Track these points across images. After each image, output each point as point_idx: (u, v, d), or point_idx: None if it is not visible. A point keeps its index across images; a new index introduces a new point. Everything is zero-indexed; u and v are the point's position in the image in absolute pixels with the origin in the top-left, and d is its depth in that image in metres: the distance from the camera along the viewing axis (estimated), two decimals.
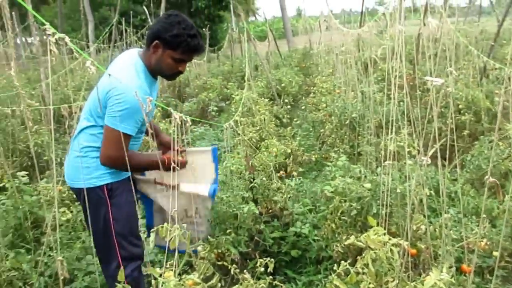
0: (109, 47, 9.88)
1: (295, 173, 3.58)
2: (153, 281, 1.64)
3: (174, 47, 2.00)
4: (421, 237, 2.39)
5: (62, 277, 1.13)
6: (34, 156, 1.97)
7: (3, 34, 12.96)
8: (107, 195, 2.08)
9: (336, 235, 2.81)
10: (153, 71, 2.10)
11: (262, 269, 2.21)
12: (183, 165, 2.21)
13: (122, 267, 1.69)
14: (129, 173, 2.16)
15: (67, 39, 0.95)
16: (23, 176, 3.25)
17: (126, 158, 1.82)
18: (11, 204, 3.14)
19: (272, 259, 2.20)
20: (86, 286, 2.68)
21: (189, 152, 2.30)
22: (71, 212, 3.26)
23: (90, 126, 2.05)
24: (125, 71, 1.97)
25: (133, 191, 2.20)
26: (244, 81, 6.50)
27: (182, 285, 1.61)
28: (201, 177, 2.33)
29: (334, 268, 1.83)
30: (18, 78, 2.62)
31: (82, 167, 2.06)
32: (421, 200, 2.19)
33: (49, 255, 2.83)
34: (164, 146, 2.39)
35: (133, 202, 2.22)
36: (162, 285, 1.56)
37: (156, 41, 2.00)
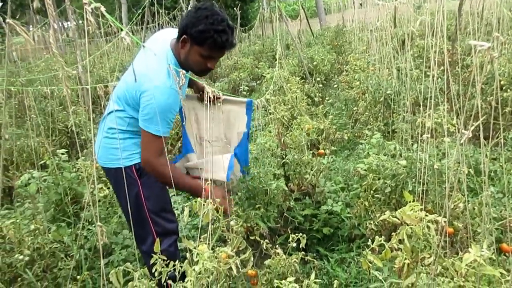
0: (142, 29, 9.99)
1: (327, 151, 3.53)
2: (187, 254, 1.68)
3: (200, 43, 1.92)
4: (458, 216, 2.32)
5: (102, 243, 1.16)
6: (75, 135, 2.03)
7: (41, 19, 13.34)
8: (136, 175, 2.12)
9: (369, 213, 2.77)
10: (183, 66, 2.06)
11: (294, 244, 2.21)
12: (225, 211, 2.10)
13: (158, 241, 1.72)
14: None
15: (102, 8, 0.95)
16: (62, 154, 3.37)
17: (164, 168, 1.91)
18: (52, 180, 3.27)
19: (304, 235, 2.20)
20: (123, 259, 2.78)
21: (225, 100, 2.33)
22: (108, 188, 3.37)
23: (118, 110, 2.07)
24: (157, 68, 1.94)
25: None
26: (275, 61, 6.42)
27: (216, 257, 1.64)
28: (234, 127, 2.38)
29: (368, 244, 1.81)
30: (57, 60, 2.69)
31: (110, 148, 2.11)
32: (459, 180, 2.11)
33: (88, 229, 2.94)
34: (202, 91, 2.41)
35: None
36: (196, 257, 1.59)
37: (184, 35, 1.94)
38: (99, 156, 2.18)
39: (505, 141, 3.77)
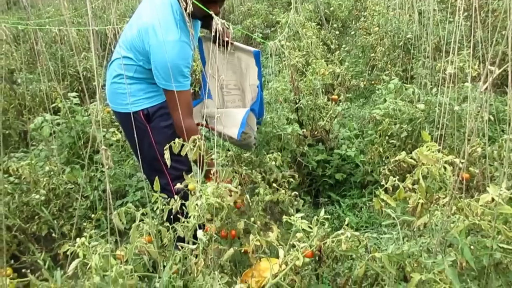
0: None
1: (342, 98, 3.44)
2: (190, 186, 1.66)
3: None
4: (475, 161, 2.26)
5: (107, 167, 1.15)
6: (82, 79, 2.00)
7: None
8: (145, 120, 2.09)
9: (383, 159, 2.73)
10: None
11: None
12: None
13: (157, 179, 1.71)
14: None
15: None
16: (74, 97, 3.35)
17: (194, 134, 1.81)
18: (65, 124, 3.27)
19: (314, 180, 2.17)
20: (138, 199, 2.82)
21: (236, 46, 2.27)
22: (120, 132, 3.37)
23: (125, 56, 2.02)
24: (163, 20, 1.84)
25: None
26: (290, 6, 6.16)
27: (218, 192, 1.63)
28: (246, 78, 2.33)
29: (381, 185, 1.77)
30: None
31: (118, 93, 2.08)
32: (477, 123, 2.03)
33: (102, 171, 2.97)
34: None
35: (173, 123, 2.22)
36: (200, 192, 1.58)
37: None
38: (109, 100, 2.18)
39: None
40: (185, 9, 1.50)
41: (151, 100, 2.11)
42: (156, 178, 1.69)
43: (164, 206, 1.64)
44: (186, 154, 2.32)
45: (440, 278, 1.15)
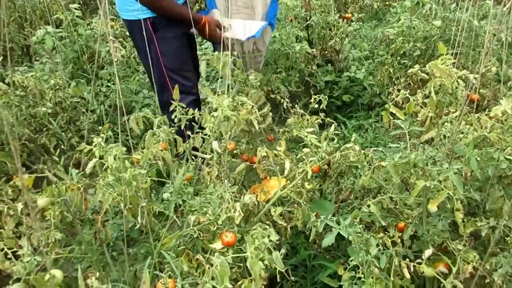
0: None
1: (354, 17, 3.28)
2: (209, 98, 1.65)
3: None
4: (488, 82, 2.21)
5: (116, 59, 1.13)
6: None
7: None
8: (152, 29, 2.05)
9: (393, 80, 2.67)
10: None
11: (316, 106, 2.15)
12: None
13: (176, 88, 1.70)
14: None
15: None
16: (76, 9, 3.22)
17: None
18: (68, 38, 3.18)
19: (326, 97, 2.13)
20: (144, 116, 2.81)
21: None
22: (125, 47, 3.29)
23: None
24: None
25: (180, 25, 2.13)
26: None
27: (235, 105, 1.61)
28: None
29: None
30: None
31: None
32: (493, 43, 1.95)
33: (107, 86, 2.94)
34: None
35: (181, 35, 2.16)
36: (215, 104, 1.57)
37: None
38: (118, 7, 2.15)
39: None
40: None
41: None
42: (176, 86, 1.68)
43: (182, 115, 1.65)
44: (192, 69, 2.30)
45: (444, 185, 1.17)
